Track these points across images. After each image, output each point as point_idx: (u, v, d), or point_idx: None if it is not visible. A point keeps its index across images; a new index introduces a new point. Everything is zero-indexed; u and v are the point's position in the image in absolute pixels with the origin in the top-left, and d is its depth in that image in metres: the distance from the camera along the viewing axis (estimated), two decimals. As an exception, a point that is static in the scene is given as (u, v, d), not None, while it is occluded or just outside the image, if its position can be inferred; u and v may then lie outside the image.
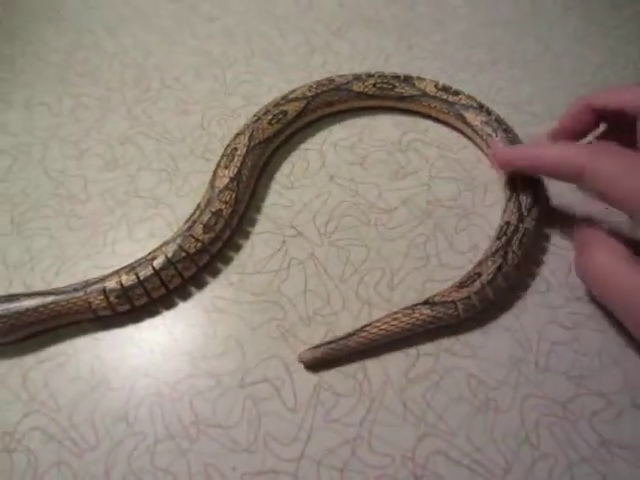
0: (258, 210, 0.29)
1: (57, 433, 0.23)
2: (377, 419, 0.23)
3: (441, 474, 0.21)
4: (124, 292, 0.25)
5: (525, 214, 0.27)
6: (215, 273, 0.27)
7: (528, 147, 0.27)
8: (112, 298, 0.24)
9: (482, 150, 0.32)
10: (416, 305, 0.25)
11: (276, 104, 0.32)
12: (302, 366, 0.24)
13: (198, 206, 0.28)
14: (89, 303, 0.24)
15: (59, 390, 0.24)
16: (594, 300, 0.26)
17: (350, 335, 0.24)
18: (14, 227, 0.29)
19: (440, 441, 0.22)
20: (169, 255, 0.25)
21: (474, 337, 0.25)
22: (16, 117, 0.34)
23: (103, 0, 0.41)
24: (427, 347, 0.25)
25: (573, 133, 0.28)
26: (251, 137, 0.30)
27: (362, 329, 0.24)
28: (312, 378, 0.24)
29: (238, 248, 0.28)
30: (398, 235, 0.28)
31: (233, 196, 0.28)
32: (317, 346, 0.24)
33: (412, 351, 0.25)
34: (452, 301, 0.24)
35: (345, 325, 0.25)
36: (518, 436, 0.22)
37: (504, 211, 0.28)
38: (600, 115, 0.26)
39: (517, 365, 0.24)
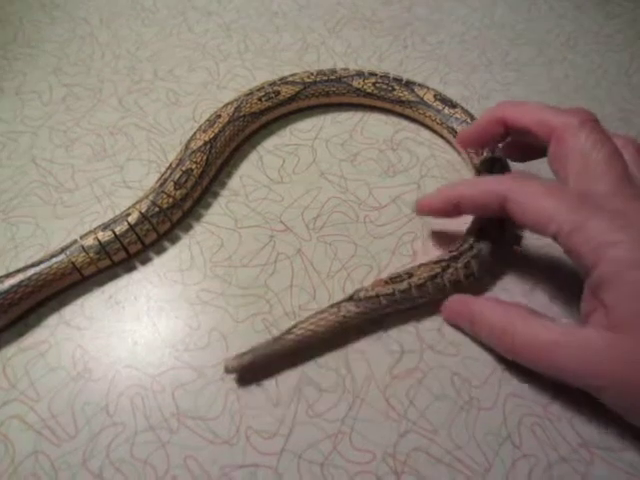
0: (247, 204, 0.29)
1: (36, 422, 0.22)
2: (359, 415, 0.23)
3: (421, 471, 0.21)
4: (102, 247, 0.25)
5: (484, 236, 0.26)
6: (187, 229, 0.28)
7: (447, 189, 0.25)
8: (92, 254, 0.25)
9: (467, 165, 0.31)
10: (341, 302, 0.24)
11: (272, 83, 0.32)
12: (285, 360, 0.24)
13: (170, 165, 0.29)
14: (72, 263, 0.25)
15: (40, 379, 0.23)
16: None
17: (276, 339, 0.23)
18: (0, 214, 0.28)
19: (421, 438, 0.22)
20: (143, 210, 0.26)
21: (459, 335, 0.25)
22: (7, 104, 0.34)
23: (98, -10, 0.41)
24: (411, 345, 0.25)
25: (480, 141, 0.27)
26: (238, 108, 0.31)
27: (289, 331, 0.23)
28: (295, 372, 0.24)
29: (208, 205, 0.29)
30: (386, 232, 0.28)
31: (204, 158, 0.29)
32: (242, 354, 0.23)
33: (396, 348, 0.24)
34: (377, 295, 0.24)
35: (330, 320, 0.25)
36: (499, 435, 0.22)
37: (466, 229, 0.27)
38: (509, 128, 0.25)
39: (500, 364, 0.24)
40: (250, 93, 0.32)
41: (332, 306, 0.24)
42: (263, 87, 0.32)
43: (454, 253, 0.26)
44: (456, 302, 0.25)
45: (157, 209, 0.27)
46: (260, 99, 0.31)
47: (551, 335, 0.21)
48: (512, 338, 0.22)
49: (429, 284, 0.24)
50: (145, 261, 0.27)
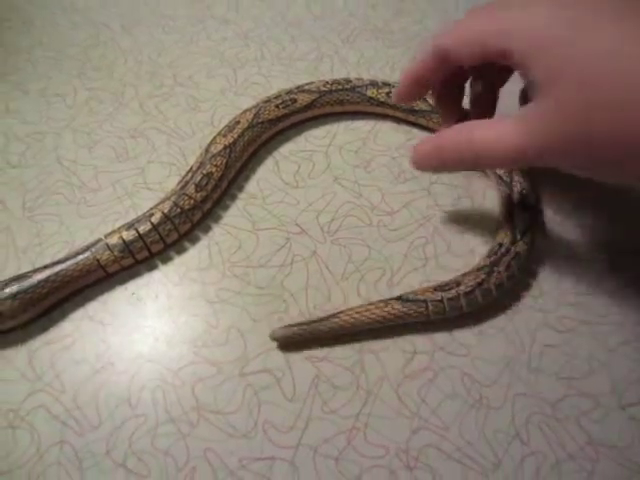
0: (264, 207, 0.30)
1: (61, 413, 0.23)
2: (373, 412, 0.24)
3: (433, 466, 0.22)
4: (126, 246, 0.26)
5: (518, 238, 0.27)
6: (207, 230, 0.29)
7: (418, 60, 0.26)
8: (116, 252, 0.26)
9: (484, 171, 0.32)
10: (389, 299, 0.25)
11: (289, 91, 0.33)
12: (302, 358, 0.25)
13: (191, 169, 0.30)
14: (97, 260, 0.26)
15: (64, 371, 0.24)
16: (585, 305, 0.27)
17: (322, 319, 0.25)
18: (25, 212, 0.29)
19: (433, 435, 0.23)
20: (165, 211, 0.27)
21: (469, 337, 0.26)
22: (31, 106, 0.35)
23: (121, -2, 0.43)
24: (423, 345, 0.25)
25: (421, 85, 0.26)
26: (256, 115, 0.32)
27: (335, 315, 0.25)
28: (311, 370, 0.25)
29: (226, 207, 0.30)
30: (399, 237, 0.29)
31: (224, 162, 0.30)
32: (289, 325, 0.25)
33: (409, 348, 0.25)
34: (424, 300, 0.25)
35: (345, 320, 0.26)
36: (508, 433, 0.23)
37: (498, 232, 0.28)
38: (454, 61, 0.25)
39: (510, 365, 0.25)
40: (268, 100, 0.33)
41: (380, 301, 0.25)
42: (280, 95, 0.33)
43: (493, 258, 0.26)
44: (423, 144, 0.26)
45: (179, 210, 0.27)
46: (277, 106, 0.32)
47: (499, 127, 0.22)
48: (471, 143, 0.23)
49: (477, 291, 0.25)
50: (166, 260, 0.28)
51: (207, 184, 0.29)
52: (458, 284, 0.26)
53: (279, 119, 0.33)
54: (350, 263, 0.28)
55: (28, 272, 0.25)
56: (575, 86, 0.20)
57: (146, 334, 0.26)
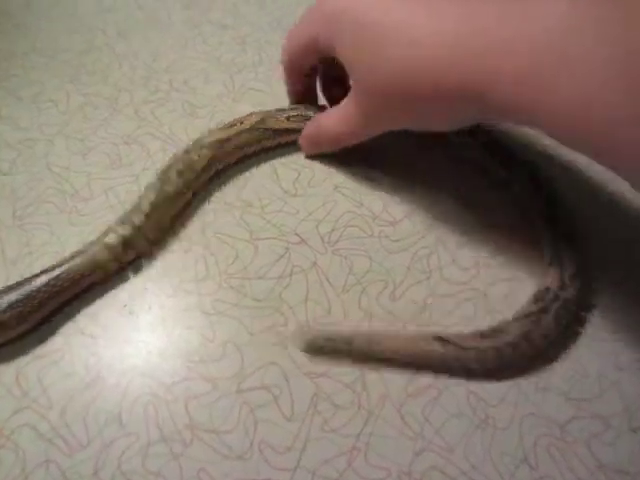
0: (262, 216, 0.29)
1: (47, 431, 0.22)
2: (374, 432, 0.23)
3: (437, 490, 0.21)
4: (125, 242, 0.26)
5: (567, 283, 0.25)
6: (202, 240, 0.28)
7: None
8: (117, 249, 0.26)
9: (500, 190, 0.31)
10: (431, 337, 0.24)
11: (307, 107, 0.32)
12: (301, 374, 0.24)
13: (174, 155, 0.29)
14: (96, 261, 0.25)
15: (52, 387, 0.23)
16: (595, 322, 0.26)
17: (352, 339, 0.24)
18: (15, 220, 0.28)
19: (437, 457, 0.22)
20: (152, 200, 0.27)
21: (474, 353, 0.25)
22: (24, 112, 0.34)
23: (117, 3, 0.42)
24: (427, 361, 0.25)
25: (301, 87, 0.33)
26: (262, 121, 0.31)
27: (375, 341, 0.24)
28: (310, 387, 0.24)
29: (223, 216, 0.29)
30: (401, 248, 0.28)
31: (210, 154, 0.29)
32: (321, 336, 0.24)
33: (412, 365, 0.24)
34: (464, 348, 0.23)
35: (345, 335, 0.25)
36: (516, 456, 0.22)
37: (545, 275, 0.26)
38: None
39: (517, 383, 0.24)
40: (282, 110, 0.32)
41: (421, 337, 0.24)
42: (297, 107, 0.32)
43: (542, 304, 0.24)
44: (302, 137, 0.31)
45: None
46: (289, 118, 0.31)
47: (334, 117, 0.29)
48: (320, 134, 0.30)
49: (523, 343, 0.23)
50: (159, 271, 0.27)
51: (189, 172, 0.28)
52: (502, 332, 0.23)
53: (287, 132, 0.31)
54: (351, 275, 0.27)
55: (24, 279, 0.24)
56: (365, 71, 0.25)
57: (139, 348, 0.25)
